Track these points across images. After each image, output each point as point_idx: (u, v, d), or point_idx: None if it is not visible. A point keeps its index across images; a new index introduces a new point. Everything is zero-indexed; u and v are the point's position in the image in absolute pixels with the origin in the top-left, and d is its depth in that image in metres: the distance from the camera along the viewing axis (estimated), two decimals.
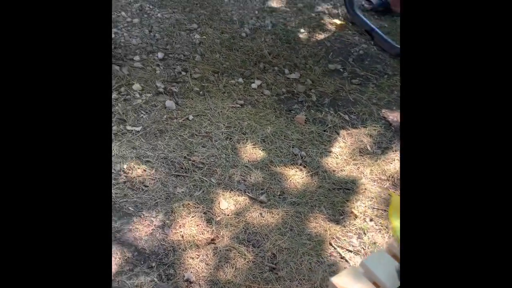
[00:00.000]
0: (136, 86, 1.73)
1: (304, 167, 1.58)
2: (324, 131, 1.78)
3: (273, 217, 1.36)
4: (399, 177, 1.66)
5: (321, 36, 2.44)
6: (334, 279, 0.63)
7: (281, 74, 2.05)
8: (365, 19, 2.62)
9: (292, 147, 1.66)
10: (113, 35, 1.95)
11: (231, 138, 1.62)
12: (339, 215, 1.43)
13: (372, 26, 2.57)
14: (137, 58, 1.88)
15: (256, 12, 2.45)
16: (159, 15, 2.20)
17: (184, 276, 1.15)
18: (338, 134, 1.79)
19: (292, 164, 1.58)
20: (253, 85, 1.92)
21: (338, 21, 2.59)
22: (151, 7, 2.24)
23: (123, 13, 2.14)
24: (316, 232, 1.34)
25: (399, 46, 2.49)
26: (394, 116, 1.97)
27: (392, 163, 1.70)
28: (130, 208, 1.29)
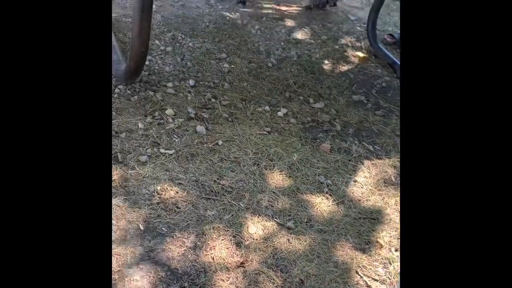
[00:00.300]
0: (169, 111, 1.80)
1: (330, 195, 1.62)
2: (349, 160, 1.82)
3: (300, 243, 1.39)
4: None
5: (344, 67, 2.51)
6: None
7: (306, 103, 2.11)
8: (387, 52, 2.69)
9: (318, 175, 1.69)
10: (148, 62, 2.04)
11: (258, 164, 1.67)
12: (365, 244, 1.45)
13: (395, 59, 2.63)
14: (170, 84, 1.97)
15: (282, 43, 2.54)
16: (190, 44, 2.30)
17: None
18: (363, 164, 1.83)
19: (318, 192, 1.62)
20: (279, 113, 1.98)
21: (361, 54, 2.66)
22: (183, 36, 2.34)
23: (157, 41, 2.25)
24: (343, 260, 1.36)
25: None
26: None
27: None
28: (163, 228, 1.34)
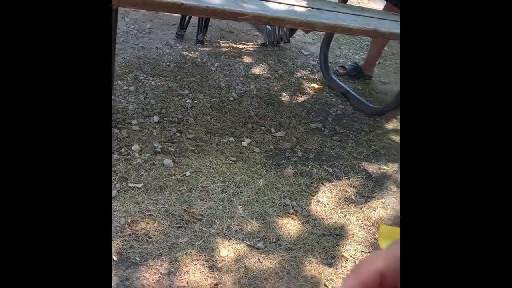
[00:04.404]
0: (135, 147, 1.86)
1: (296, 215, 1.70)
2: (311, 183, 1.92)
3: (270, 262, 1.45)
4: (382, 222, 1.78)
5: (301, 98, 2.66)
6: None
7: (268, 133, 2.22)
8: (340, 82, 2.88)
9: (283, 198, 1.78)
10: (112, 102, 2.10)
11: (226, 192, 1.74)
12: (331, 258, 1.53)
13: (347, 88, 2.82)
14: (134, 121, 2.03)
15: (241, 78, 2.67)
16: (152, 83, 2.39)
17: None
18: (324, 185, 1.93)
19: (284, 213, 1.70)
20: (243, 143, 2.08)
21: (316, 85, 2.84)
22: (145, 76, 2.43)
23: (119, 81, 2.32)
24: (311, 275, 1.43)
25: (373, 106, 2.73)
26: (374, 168, 2.14)
27: (376, 210, 1.84)
28: (136, 258, 1.37)
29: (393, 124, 2.60)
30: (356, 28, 2.07)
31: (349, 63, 3.17)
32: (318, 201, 1.82)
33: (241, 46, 3.10)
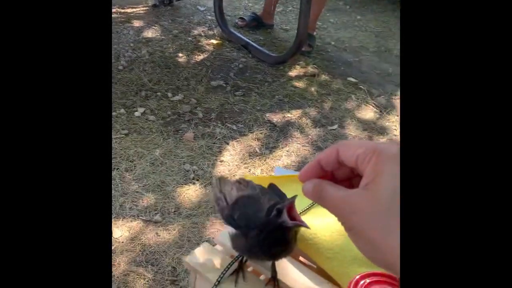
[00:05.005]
0: None
1: (197, 180, 1.61)
2: (214, 143, 1.84)
3: (169, 233, 1.37)
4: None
5: (200, 57, 2.53)
6: (188, 258, 0.65)
7: (164, 98, 2.08)
8: (239, 35, 2.77)
9: (183, 164, 1.68)
10: None
11: (118, 168, 1.60)
12: None
13: (247, 40, 2.72)
14: None
15: (132, 44, 2.47)
16: None
17: None
18: (227, 143, 1.85)
19: (185, 180, 1.60)
20: (136, 113, 1.93)
21: (215, 41, 2.70)
22: None
23: None
24: (214, 236, 1.37)
25: (274, 55, 2.66)
26: (278, 118, 2.09)
27: (280, 159, 1.80)
28: None
29: (296, 70, 2.55)
30: None
31: (249, 14, 3.05)
32: (222, 161, 1.75)
33: (129, 10, 2.87)
